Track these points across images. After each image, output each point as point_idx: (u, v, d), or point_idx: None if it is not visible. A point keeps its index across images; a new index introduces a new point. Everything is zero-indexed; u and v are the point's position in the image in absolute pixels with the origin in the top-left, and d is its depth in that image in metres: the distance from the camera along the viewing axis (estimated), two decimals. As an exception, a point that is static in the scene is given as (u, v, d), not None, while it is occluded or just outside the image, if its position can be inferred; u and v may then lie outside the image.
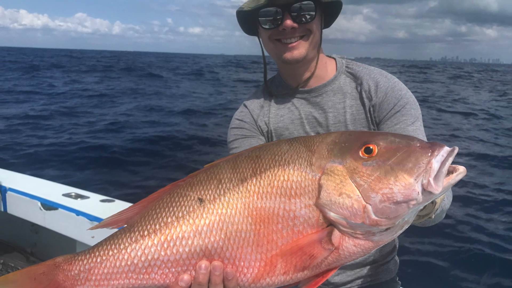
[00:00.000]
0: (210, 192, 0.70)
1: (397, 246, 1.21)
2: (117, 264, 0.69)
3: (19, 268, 2.28)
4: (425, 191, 0.61)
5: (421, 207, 0.66)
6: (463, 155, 6.82)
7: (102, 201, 2.23)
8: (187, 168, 5.94)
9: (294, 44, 1.00)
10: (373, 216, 0.62)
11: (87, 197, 2.25)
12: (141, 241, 0.69)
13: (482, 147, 7.77)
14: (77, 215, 2.03)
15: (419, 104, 1.05)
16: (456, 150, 0.63)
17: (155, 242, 0.69)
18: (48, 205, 2.14)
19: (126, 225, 0.73)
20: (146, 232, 0.69)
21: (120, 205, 2.19)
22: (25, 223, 2.32)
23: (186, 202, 0.70)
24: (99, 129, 8.69)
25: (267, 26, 1.01)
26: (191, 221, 0.68)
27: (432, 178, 0.61)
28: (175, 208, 0.70)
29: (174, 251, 0.68)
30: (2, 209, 2.33)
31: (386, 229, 0.65)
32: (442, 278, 3.26)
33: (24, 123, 9.11)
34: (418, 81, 27.97)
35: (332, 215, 0.64)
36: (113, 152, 6.82)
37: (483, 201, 4.86)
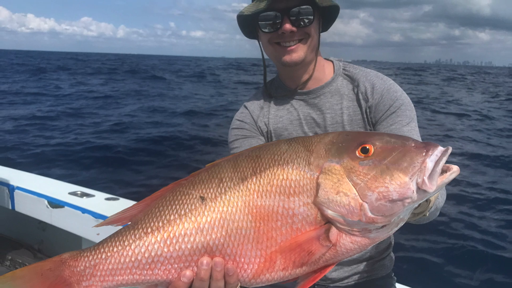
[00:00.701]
0: (211, 190, 0.71)
1: (393, 243, 1.23)
2: (122, 260, 0.71)
3: (27, 264, 2.31)
4: (419, 189, 0.62)
5: (416, 205, 0.67)
6: (456, 155, 6.88)
7: (107, 199, 2.26)
8: (189, 167, 5.99)
9: (293, 47, 1.02)
10: (370, 214, 0.63)
11: (93, 196, 2.28)
12: (145, 238, 0.70)
13: (475, 147, 7.83)
14: (83, 213, 2.06)
15: (414, 105, 1.07)
16: (450, 150, 0.64)
17: (158, 239, 0.70)
18: (55, 203, 2.17)
19: (130, 223, 0.74)
20: (149, 229, 0.71)
21: (124, 203, 2.22)
22: (32, 221, 2.35)
23: (188, 200, 0.71)
24: (104, 129, 8.77)
25: (266, 30, 1.02)
26: (193, 218, 0.69)
27: (427, 177, 0.62)
28: (178, 206, 0.71)
29: (177, 247, 0.69)
30: (10, 207, 2.36)
31: (382, 227, 0.66)
32: (436, 274, 3.29)
33: (32, 123, 9.22)
34: (413, 83, 28.06)
35: (329, 213, 0.65)
36: (117, 152, 6.88)
37: (476, 199, 4.90)
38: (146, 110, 11.83)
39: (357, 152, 0.66)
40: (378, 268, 1.16)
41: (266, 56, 1.13)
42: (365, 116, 1.07)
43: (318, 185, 0.67)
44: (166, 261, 0.70)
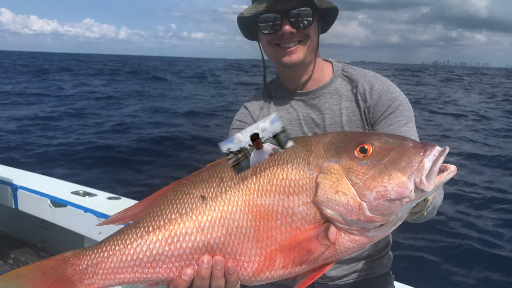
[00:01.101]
0: (212, 190, 0.72)
1: (391, 241, 1.23)
2: (123, 258, 0.71)
3: (30, 262, 2.33)
4: (417, 189, 0.63)
5: (414, 204, 0.67)
6: (454, 155, 6.92)
7: (109, 198, 2.26)
8: (190, 167, 6.01)
9: (292, 48, 1.02)
10: (368, 213, 0.64)
11: (95, 195, 2.28)
12: (146, 237, 0.71)
13: (472, 147, 7.86)
14: (85, 212, 2.06)
15: (412, 106, 1.07)
16: (447, 149, 0.64)
17: (160, 237, 0.71)
18: (57, 203, 2.18)
19: (131, 222, 0.75)
20: (151, 228, 0.72)
21: (126, 203, 2.22)
22: (35, 220, 2.36)
23: (189, 199, 0.72)
24: (106, 129, 8.80)
25: (266, 31, 1.03)
26: (194, 217, 0.70)
27: (424, 176, 0.62)
28: (179, 205, 0.72)
29: (178, 246, 0.70)
30: (14, 206, 2.37)
31: (380, 225, 0.66)
32: (434, 272, 3.31)
33: (35, 124, 9.27)
34: (411, 84, 28.17)
35: (328, 212, 0.66)
36: (119, 152, 6.91)
37: (473, 198, 4.93)
38: (147, 110, 11.88)
39: (355, 152, 0.67)
40: (376, 266, 1.17)
41: (266, 57, 1.14)
42: (363, 116, 1.07)
43: (317, 185, 0.67)
44: (167, 260, 0.71)
